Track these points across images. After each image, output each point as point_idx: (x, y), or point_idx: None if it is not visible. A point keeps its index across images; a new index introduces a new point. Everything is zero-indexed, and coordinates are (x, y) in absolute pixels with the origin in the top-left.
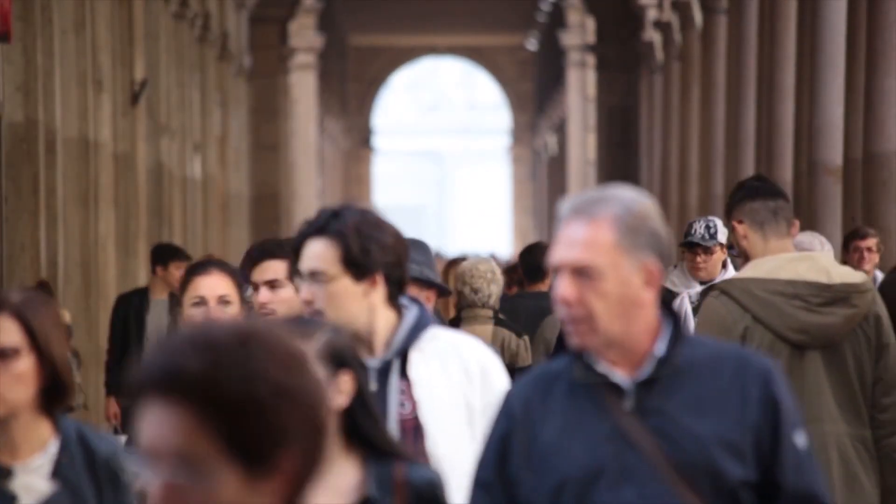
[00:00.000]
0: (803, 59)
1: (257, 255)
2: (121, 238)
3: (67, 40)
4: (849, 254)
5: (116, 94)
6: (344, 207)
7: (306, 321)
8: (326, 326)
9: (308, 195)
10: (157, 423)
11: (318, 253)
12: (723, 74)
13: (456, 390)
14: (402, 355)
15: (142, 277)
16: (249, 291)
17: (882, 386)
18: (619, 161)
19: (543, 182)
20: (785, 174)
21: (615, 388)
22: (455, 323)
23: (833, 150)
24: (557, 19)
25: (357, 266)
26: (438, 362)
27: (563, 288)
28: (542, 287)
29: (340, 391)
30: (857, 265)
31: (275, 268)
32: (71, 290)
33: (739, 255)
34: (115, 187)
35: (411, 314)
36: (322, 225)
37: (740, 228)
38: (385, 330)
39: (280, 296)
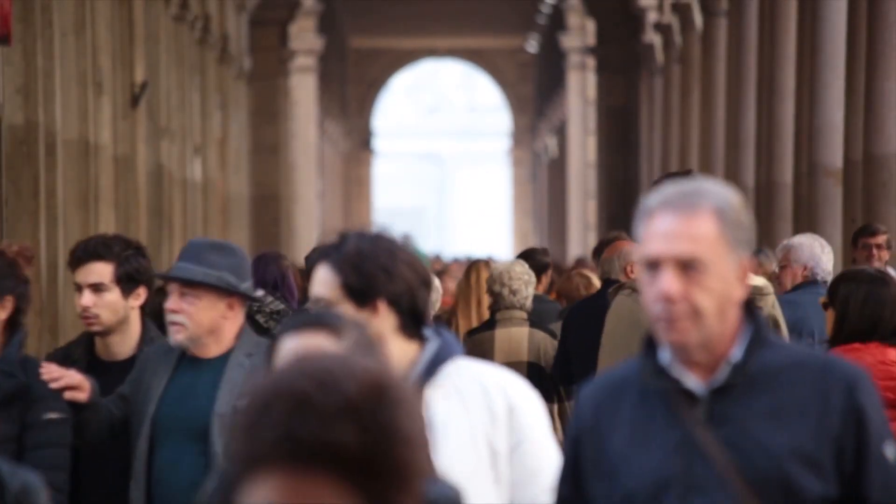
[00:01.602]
0: (803, 61)
1: (81, 255)
2: None
3: (67, 42)
4: (857, 251)
5: (116, 96)
6: (354, 233)
7: (327, 314)
8: (348, 320)
9: (308, 197)
10: (291, 496)
11: (321, 279)
12: (723, 76)
13: (478, 431)
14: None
15: None
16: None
17: None
18: (619, 163)
19: (543, 184)
20: (785, 176)
21: (687, 395)
22: (490, 325)
23: (833, 152)
24: (557, 21)
25: (356, 293)
26: (459, 400)
27: (668, 282)
28: (537, 291)
29: None
30: (867, 263)
31: (99, 270)
32: (71, 292)
33: None
34: (115, 189)
35: (431, 346)
36: (328, 251)
37: None
38: (401, 363)
39: (104, 300)
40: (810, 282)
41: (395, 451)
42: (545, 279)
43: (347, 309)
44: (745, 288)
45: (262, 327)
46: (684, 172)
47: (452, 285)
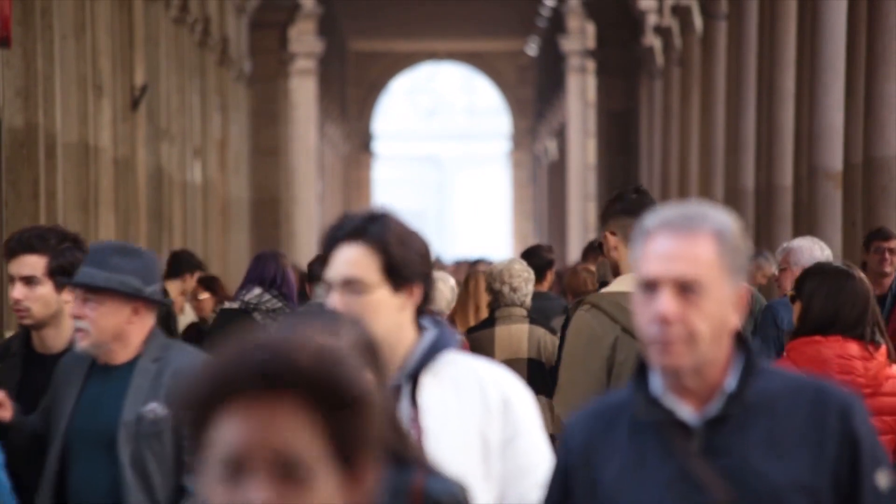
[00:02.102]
0: (803, 64)
1: (14, 247)
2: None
3: (67, 45)
4: (869, 254)
5: (116, 98)
6: (381, 212)
7: (323, 312)
8: (348, 320)
9: (308, 200)
10: (259, 419)
11: (353, 259)
12: (723, 79)
13: (470, 422)
14: (415, 379)
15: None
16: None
17: None
18: (619, 166)
19: (543, 187)
20: (785, 179)
21: (681, 426)
22: (490, 323)
23: (833, 155)
24: (557, 24)
25: (398, 276)
26: (454, 389)
27: (666, 304)
28: (542, 288)
29: None
30: (879, 266)
31: (32, 263)
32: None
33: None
34: (115, 192)
35: (429, 335)
36: (359, 229)
37: (612, 240)
38: (404, 350)
39: (36, 293)
40: None
41: (361, 387)
42: (550, 276)
43: (382, 292)
44: (739, 316)
45: (259, 324)
46: (635, 190)
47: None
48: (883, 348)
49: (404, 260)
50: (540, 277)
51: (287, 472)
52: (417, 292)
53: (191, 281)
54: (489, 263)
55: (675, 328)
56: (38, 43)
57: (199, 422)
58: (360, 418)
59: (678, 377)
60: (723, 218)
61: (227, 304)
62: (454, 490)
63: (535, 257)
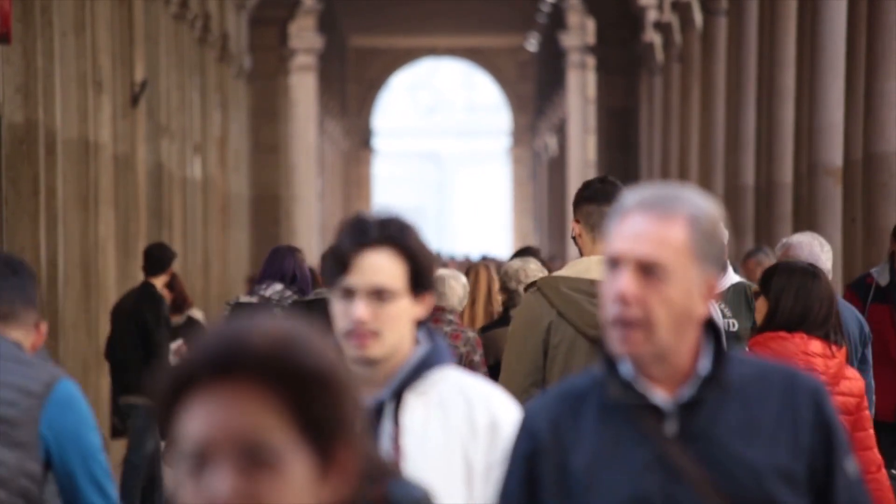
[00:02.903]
0: (803, 61)
1: None
2: (121, 239)
3: (67, 42)
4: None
5: (116, 95)
6: (401, 217)
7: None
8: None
9: (308, 196)
10: (219, 408)
11: (380, 266)
12: (723, 76)
13: (454, 444)
14: (399, 396)
15: (141, 279)
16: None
17: None
18: (619, 162)
19: (543, 183)
20: (785, 175)
21: (654, 411)
22: (504, 321)
23: (833, 152)
24: (557, 21)
25: (420, 284)
26: (440, 409)
27: (624, 283)
28: None
29: None
30: None
31: None
32: (71, 292)
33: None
34: (115, 189)
35: (421, 350)
36: (386, 235)
37: (576, 227)
38: (397, 363)
39: None
40: None
41: (322, 365)
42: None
43: (406, 302)
44: (707, 305)
45: None
46: (601, 179)
47: None
48: (843, 349)
49: (427, 268)
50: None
51: (253, 458)
52: (430, 301)
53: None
54: (489, 260)
55: (633, 310)
56: (38, 40)
57: (166, 416)
58: (326, 399)
59: (640, 364)
60: (700, 203)
61: (242, 298)
62: (417, 495)
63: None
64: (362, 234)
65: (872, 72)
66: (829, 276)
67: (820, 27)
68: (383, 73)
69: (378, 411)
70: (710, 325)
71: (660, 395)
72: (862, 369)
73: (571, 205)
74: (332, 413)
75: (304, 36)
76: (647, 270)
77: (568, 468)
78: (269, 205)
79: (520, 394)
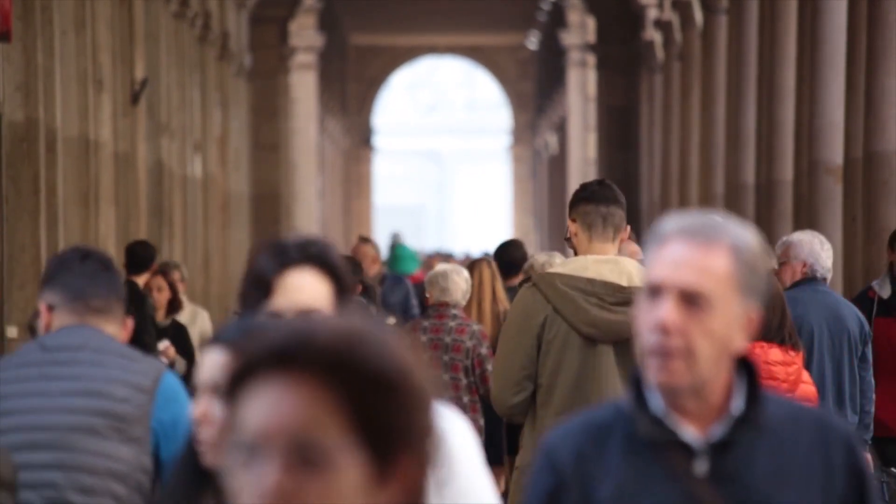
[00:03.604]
0: (804, 59)
1: None
2: (121, 238)
3: (68, 40)
4: (894, 253)
5: (117, 93)
6: (317, 237)
7: (253, 323)
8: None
9: (308, 195)
10: (276, 401)
11: (307, 287)
12: (723, 74)
13: None
14: None
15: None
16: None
17: None
18: (619, 161)
19: (544, 181)
20: (785, 174)
21: (684, 448)
22: None
23: (833, 150)
24: (558, 19)
25: (343, 304)
26: None
27: (666, 312)
28: (514, 282)
29: None
30: None
31: None
32: None
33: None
34: (115, 187)
35: None
36: (307, 255)
37: (572, 227)
38: None
39: None
40: (809, 279)
41: (387, 367)
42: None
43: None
44: (746, 341)
45: None
46: (598, 182)
47: None
48: (801, 353)
49: (350, 288)
50: (513, 271)
51: (303, 455)
52: None
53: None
54: (491, 257)
55: (674, 340)
56: (38, 38)
57: (229, 404)
58: (390, 403)
59: (675, 396)
60: (743, 234)
61: None
62: None
63: (508, 252)
64: (282, 255)
65: (873, 70)
66: (829, 275)
67: (820, 25)
68: (384, 72)
69: None
70: (743, 362)
71: (690, 433)
72: (862, 367)
73: (568, 205)
74: (395, 418)
75: (305, 34)
76: (690, 300)
77: (592, 503)
78: (269, 203)
79: (513, 385)
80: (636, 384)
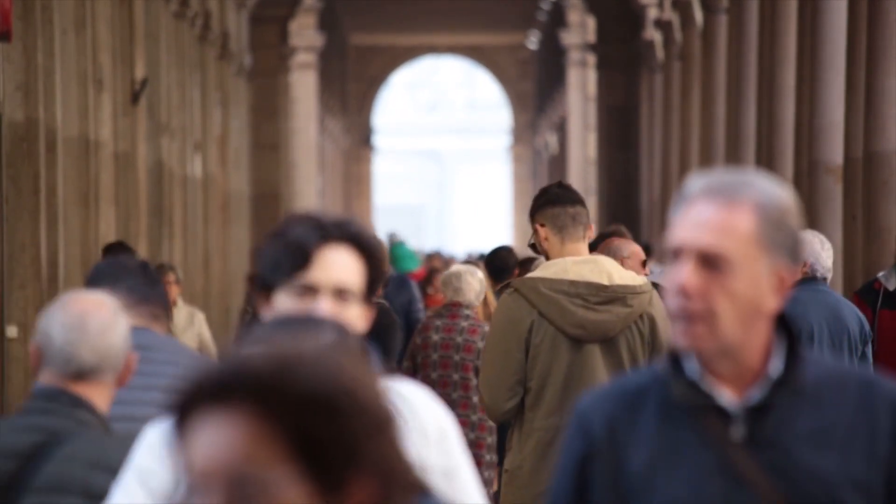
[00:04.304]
0: (804, 59)
1: None
2: (121, 237)
3: (68, 39)
4: None
5: (117, 93)
6: (353, 217)
7: (300, 319)
8: (327, 325)
9: (308, 194)
10: (213, 438)
11: (346, 265)
12: (723, 74)
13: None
14: None
15: None
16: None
17: None
18: (619, 160)
19: (544, 181)
20: (785, 173)
21: (720, 413)
22: None
23: (834, 150)
24: (558, 18)
25: (372, 292)
26: None
27: (686, 276)
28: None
29: None
30: None
31: None
32: (71, 290)
33: (541, 254)
34: (115, 187)
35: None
36: (346, 233)
37: (542, 231)
38: None
39: None
40: (810, 278)
41: (322, 388)
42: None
43: (359, 306)
44: (780, 299)
45: None
46: (558, 185)
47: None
48: None
49: (381, 277)
50: (503, 276)
51: (244, 492)
52: (370, 315)
53: None
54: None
55: (695, 304)
56: (38, 38)
57: (176, 445)
58: (331, 426)
59: (708, 360)
60: (770, 189)
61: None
62: None
63: (499, 257)
64: (323, 228)
65: (873, 69)
66: (830, 275)
67: (820, 25)
68: (384, 71)
69: None
70: (783, 322)
71: (727, 397)
72: (862, 367)
73: (529, 215)
74: (340, 441)
75: (305, 34)
76: (710, 262)
77: (624, 470)
78: (269, 202)
79: (506, 391)
80: (674, 349)
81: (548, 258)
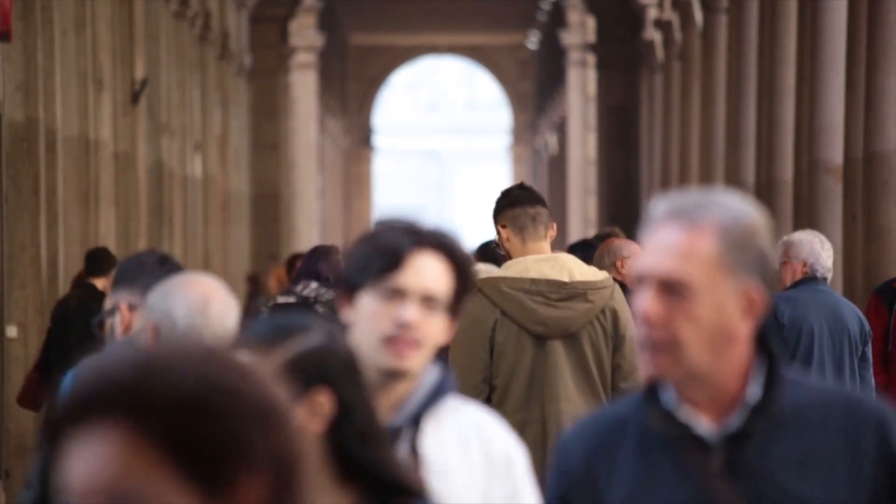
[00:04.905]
0: (804, 59)
1: None
2: (121, 237)
3: (68, 39)
4: None
5: (117, 93)
6: (446, 227)
7: (286, 324)
8: (310, 331)
9: (308, 194)
10: (87, 458)
11: (436, 272)
12: (723, 74)
13: (475, 476)
14: (416, 423)
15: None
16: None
17: (620, 372)
18: (619, 160)
19: (544, 181)
20: (785, 173)
21: (698, 442)
22: None
23: (833, 150)
24: (558, 18)
25: (459, 304)
26: (457, 440)
27: (647, 304)
28: None
29: (314, 413)
30: None
31: None
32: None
33: (505, 255)
34: (115, 187)
35: (432, 374)
36: (440, 241)
37: (504, 232)
38: (410, 386)
39: None
40: (810, 278)
41: (193, 388)
42: None
43: (443, 316)
44: (753, 321)
45: (321, 317)
46: (519, 186)
47: None
48: None
49: (468, 290)
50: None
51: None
52: (452, 329)
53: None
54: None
55: (658, 333)
56: (38, 38)
57: (55, 460)
58: (207, 426)
59: (681, 388)
60: (734, 209)
61: (280, 299)
62: None
63: (486, 253)
64: (417, 234)
65: (873, 69)
66: (830, 275)
67: (820, 25)
68: (384, 71)
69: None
70: (762, 345)
71: (704, 425)
72: (862, 367)
73: (493, 216)
74: (219, 439)
75: (305, 34)
76: (672, 288)
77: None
78: (269, 202)
79: (472, 389)
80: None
81: (510, 258)
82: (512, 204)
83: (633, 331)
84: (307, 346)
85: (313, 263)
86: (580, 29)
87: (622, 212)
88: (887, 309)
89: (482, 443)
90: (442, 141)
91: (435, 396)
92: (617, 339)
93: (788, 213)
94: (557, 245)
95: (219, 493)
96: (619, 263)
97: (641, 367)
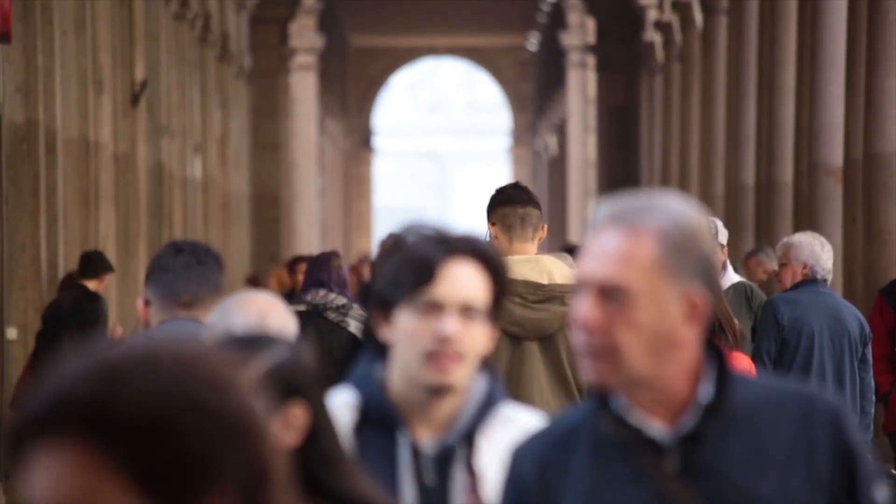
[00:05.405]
0: (804, 60)
1: None
2: (121, 238)
3: (68, 41)
4: None
5: (117, 94)
6: (473, 231)
7: (253, 337)
8: (278, 344)
9: (308, 195)
10: (46, 476)
11: (472, 281)
12: (723, 75)
13: None
14: (470, 439)
15: (142, 277)
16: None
17: None
18: (619, 161)
19: (544, 183)
20: (785, 174)
21: (652, 445)
22: None
23: (833, 151)
24: (558, 20)
25: (498, 308)
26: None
27: (586, 310)
28: None
29: (289, 426)
30: None
31: None
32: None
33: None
34: (115, 187)
35: (480, 384)
36: (472, 247)
37: (492, 230)
38: (459, 401)
39: None
40: (810, 280)
41: (156, 404)
42: None
43: (484, 324)
44: (697, 325)
45: (333, 322)
46: (513, 185)
47: None
48: (742, 356)
49: (505, 293)
50: None
51: None
52: (495, 333)
53: (107, 280)
54: None
55: (596, 339)
56: (38, 39)
57: (16, 477)
58: (170, 442)
59: (629, 392)
60: (675, 212)
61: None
62: None
63: None
64: (448, 242)
65: (873, 70)
66: (830, 277)
67: (820, 26)
68: (384, 73)
69: (442, 459)
70: (711, 346)
71: (657, 428)
72: (861, 368)
73: (486, 210)
74: (183, 457)
75: (305, 35)
76: (610, 294)
77: None
78: (269, 204)
79: None
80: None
81: None
82: (503, 203)
83: None
84: (278, 358)
85: (315, 273)
86: (580, 30)
87: None
88: (892, 309)
89: None
90: (442, 142)
91: (485, 409)
92: None
93: (788, 214)
94: (557, 245)
95: None
96: None
97: (584, 374)
